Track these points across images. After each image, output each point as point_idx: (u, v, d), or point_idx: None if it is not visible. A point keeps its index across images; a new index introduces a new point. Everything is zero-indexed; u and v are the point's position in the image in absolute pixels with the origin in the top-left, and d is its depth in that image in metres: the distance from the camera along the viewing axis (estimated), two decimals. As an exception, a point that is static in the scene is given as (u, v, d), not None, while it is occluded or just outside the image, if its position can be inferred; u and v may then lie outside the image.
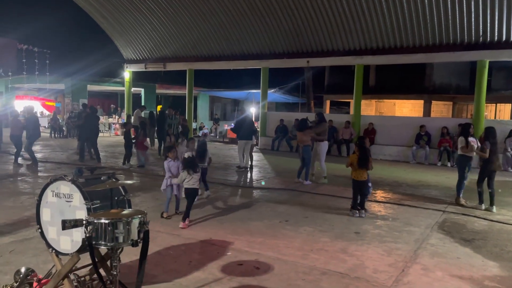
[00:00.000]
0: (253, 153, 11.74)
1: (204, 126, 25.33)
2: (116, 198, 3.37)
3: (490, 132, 7.41)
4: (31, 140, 10.95)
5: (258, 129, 16.54)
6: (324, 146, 9.68)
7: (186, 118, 19.35)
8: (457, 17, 12.82)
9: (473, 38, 13.26)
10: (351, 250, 5.00)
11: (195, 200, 6.17)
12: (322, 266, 4.45)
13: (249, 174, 10.77)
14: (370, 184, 7.20)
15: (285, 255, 4.77)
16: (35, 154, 11.25)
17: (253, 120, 12.25)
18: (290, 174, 10.52)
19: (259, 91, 17.99)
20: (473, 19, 12.70)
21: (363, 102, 17.13)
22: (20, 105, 22.63)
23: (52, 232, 3.35)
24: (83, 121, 12.43)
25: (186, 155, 5.97)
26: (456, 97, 23.95)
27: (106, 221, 2.81)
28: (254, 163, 11.89)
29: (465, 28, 13.05)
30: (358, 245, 5.20)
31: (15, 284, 3.41)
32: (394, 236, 5.65)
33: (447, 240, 5.57)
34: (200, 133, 23.41)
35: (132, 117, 16.71)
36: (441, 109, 25.04)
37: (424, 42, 14.02)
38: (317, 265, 4.47)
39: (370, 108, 25.94)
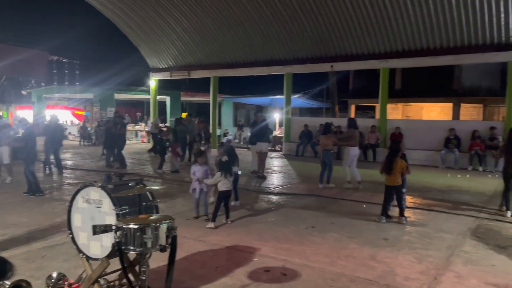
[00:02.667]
0: (276, 159, 11.54)
1: (228, 133, 25.46)
2: (144, 203, 3.40)
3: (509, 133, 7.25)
4: (48, 148, 10.92)
5: (271, 135, 16.27)
6: (353, 151, 9.58)
7: (210, 124, 19.54)
8: (486, 16, 12.45)
9: (503, 38, 12.85)
10: (380, 257, 4.88)
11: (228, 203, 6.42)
12: (350, 273, 4.36)
13: (274, 180, 10.71)
14: (404, 190, 6.82)
15: (312, 261, 4.70)
16: (63, 162, 11.57)
17: (263, 125, 11.47)
18: (315, 180, 10.40)
19: (283, 96, 17.96)
20: (502, 19, 12.32)
21: (389, 106, 16.84)
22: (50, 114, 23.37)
23: (83, 237, 3.42)
24: (125, 130, 12.75)
25: (223, 159, 6.37)
26: (487, 99, 23.19)
27: (135, 227, 2.84)
28: (278, 169, 11.83)
29: (495, 28, 12.67)
30: (387, 252, 5.07)
31: (48, 289, 3.48)
32: (425, 242, 5.49)
33: (481, 246, 5.37)
34: (224, 140, 23.54)
35: (150, 125, 16.95)
36: (471, 112, 24.30)
37: (452, 43, 13.69)
38: (345, 272, 4.39)
39: (396, 112, 25.46)
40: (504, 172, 7.21)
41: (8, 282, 3.17)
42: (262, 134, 11.00)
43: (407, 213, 7.07)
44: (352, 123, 9.84)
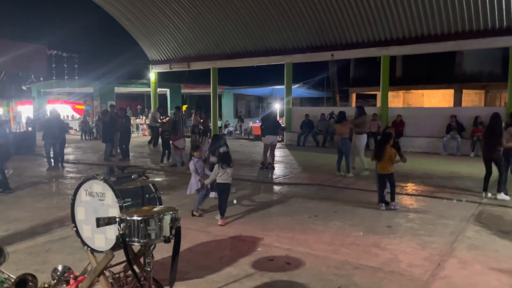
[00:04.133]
0: (277, 149, 11.32)
1: (229, 124, 25.45)
2: (147, 195, 3.40)
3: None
4: (46, 142, 10.82)
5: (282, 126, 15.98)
6: (363, 138, 9.75)
7: (211, 116, 19.53)
8: (487, 1, 12.33)
9: (505, 23, 12.74)
10: (384, 244, 4.90)
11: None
12: (354, 261, 4.37)
13: (276, 171, 10.71)
14: None
15: (315, 250, 4.72)
16: (66, 157, 11.58)
17: (271, 117, 11.25)
18: (317, 169, 10.42)
19: (283, 87, 17.90)
20: (503, 3, 12.19)
21: (390, 94, 16.77)
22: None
23: (87, 230, 3.42)
24: (129, 123, 12.87)
25: (221, 150, 5.99)
26: (489, 85, 23.07)
27: (139, 218, 2.84)
28: (280, 159, 11.81)
29: (496, 13, 12.54)
30: (390, 239, 5.08)
31: (53, 282, 3.50)
32: (428, 229, 5.50)
33: (484, 232, 5.38)
34: (225, 131, 23.55)
35: (149, 118, 16.82)
36: (472, 98, 24.20)
37: (453, 29, 13.58)
38: (349, 260, 4.40)
39: (397, 100, 25.37)
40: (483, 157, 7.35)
41: (11, 274, 3.19)
42: (269, 126, 10.72)
43: (410, 200, 7.09)
44: (363, 111, 10.05)
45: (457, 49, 17.67)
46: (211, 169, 6.17)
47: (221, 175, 5.74)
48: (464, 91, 23.00)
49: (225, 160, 5.78)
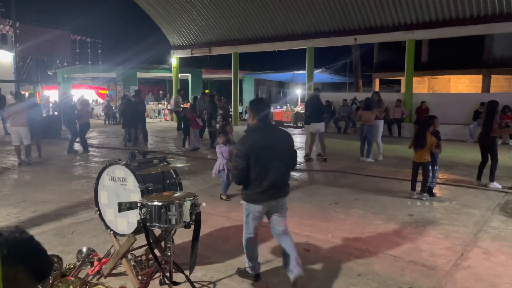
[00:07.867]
0: (298, 136, 10.96)
1: (250, 109, 25.39)
2: (168, 181, 3.44)
3: None
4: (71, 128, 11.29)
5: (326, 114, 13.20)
6: (381, 124, 9.88)
7: (232, 102, 19.51)
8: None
9: (539, 5, 12.17)
10: (405, 233, 4.83)
11: None
12: (374, 249, 4.33)
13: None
14: (436, 168, 6.57)
15: (336, 237, 4.69)
16: (90, 141, 11.86)
17: (317, 102, 10.06)
18: (339, 156, 10.32)
19: (305, 72, 17.68)
20: (539, -16, 11.64)
21: (414, 79, 16.39)
22: (77, 94, 23.77)
23: (110, 214, 3.50)
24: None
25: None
26: (519, 70, 22.20)
27: (160, 204, 2.88)
28: (300, 145, 11.72)
29: (530, -6, 11.99)
30: (412, 228, 5.01)
31: (78, 263, 3.60)
32: (452, 218, 5.39)
33: (510, 222, 5.23)
34: (246, 117, 23.53)
35: (172, 102, 16.84)
36: (502, 84, 23.36)
37: (482, 12, 13.05)
38: (369, 248, 4.37)
39: (422, 85, 24.74)
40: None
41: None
42: (313, 112, 9.72)
43: (433, 189, 6.92)
44: (380, 96, 10.15)
45: (486, 33, 17.01)
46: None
47: None
48: (493, 76, 22.20)
49: None
